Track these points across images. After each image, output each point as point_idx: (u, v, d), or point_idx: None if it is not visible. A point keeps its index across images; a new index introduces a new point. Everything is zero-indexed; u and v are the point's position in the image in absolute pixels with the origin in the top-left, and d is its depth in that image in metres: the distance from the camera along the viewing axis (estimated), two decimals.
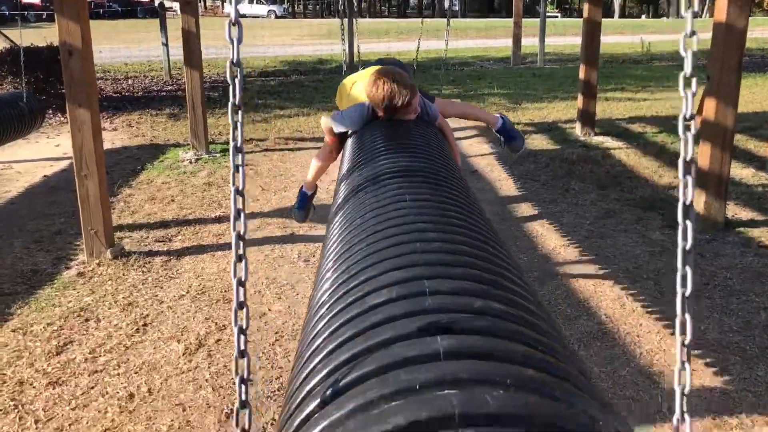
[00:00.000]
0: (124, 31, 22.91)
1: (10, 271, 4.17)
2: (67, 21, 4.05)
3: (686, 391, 1.01)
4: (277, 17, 47.13)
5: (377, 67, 2.89)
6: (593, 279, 3.90)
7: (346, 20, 5.25)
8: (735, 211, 4.93)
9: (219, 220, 5.00)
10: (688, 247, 1.09)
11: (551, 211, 5.10)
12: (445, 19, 6.21)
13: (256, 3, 50.84)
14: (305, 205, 3.68)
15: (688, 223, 1.08)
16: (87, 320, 3.54)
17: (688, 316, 1.04)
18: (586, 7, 7.19)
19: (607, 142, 7.12)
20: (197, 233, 4.75)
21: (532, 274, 3.98)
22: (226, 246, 4.51)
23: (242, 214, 1.13)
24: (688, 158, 1.09)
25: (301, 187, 3.72)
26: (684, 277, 1.08)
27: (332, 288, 1.21)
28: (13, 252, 4.47)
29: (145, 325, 3.49)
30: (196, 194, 5.60)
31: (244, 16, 49.76)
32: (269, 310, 3.61)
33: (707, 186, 4.45)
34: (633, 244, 4.41)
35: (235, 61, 1.14)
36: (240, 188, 1.12)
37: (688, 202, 1.09)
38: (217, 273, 4.09)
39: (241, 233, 1.12)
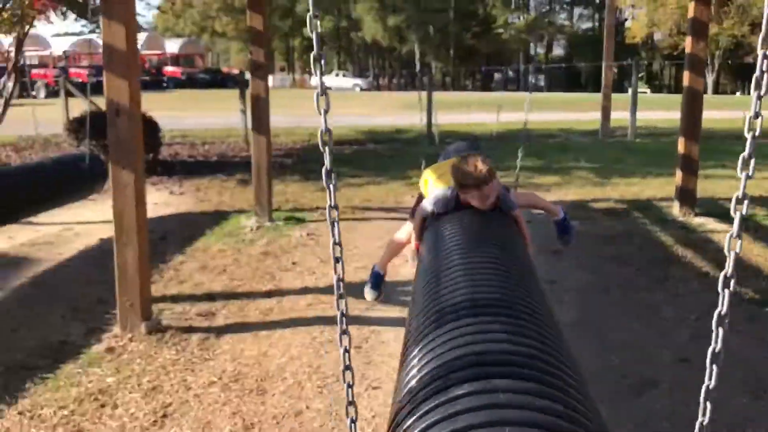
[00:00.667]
0: (212, 101, 23.60)
1: (39, 342, 3.84)
2: (115, 77, 3.80)
3: None
4: (362, 90, 48.19)
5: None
6: (699, 389, 3.17)
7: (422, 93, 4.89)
8: None
9: (269, 294, 4.55)
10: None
11: (648, 302, 4.39)
12: (531, 94, 5.72)
13: (342, 76, 52.34)
14: (379, 285, 3.39)
15: None
16: (103, 406, 3.12)
17: None
18: (686, 75, 6.58)
19: (710, 224, 6.35)
20: (243, 308, 4.31)
21: (625, 380, 3.30)
22: (272, 324, 4.05)
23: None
24: None
25: (374, 267, 3.37)
26: None
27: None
28: (49, 320, 4.15)
29: (164, 416, 3.03)
30: (251, 264, 5.20)
31: (329, 88, 51.10)
32: (307, 407, 3.07)
33: None
34: (750, 350, 3.65)
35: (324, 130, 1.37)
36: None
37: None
38: (256, 357, 3.61)
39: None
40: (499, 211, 2.75)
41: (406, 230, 3.09)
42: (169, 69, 40.24)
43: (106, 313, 4.23)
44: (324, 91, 1.25)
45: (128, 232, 3.89)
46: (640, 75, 55.22)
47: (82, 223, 6.58)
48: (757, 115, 1.11)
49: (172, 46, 43.08)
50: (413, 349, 1.55)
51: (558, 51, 72.83)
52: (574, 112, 20.62)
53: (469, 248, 2.14)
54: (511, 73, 67.95)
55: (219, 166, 9.89)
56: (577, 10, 69.19)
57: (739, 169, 1.15)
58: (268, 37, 6.75)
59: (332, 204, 1.41)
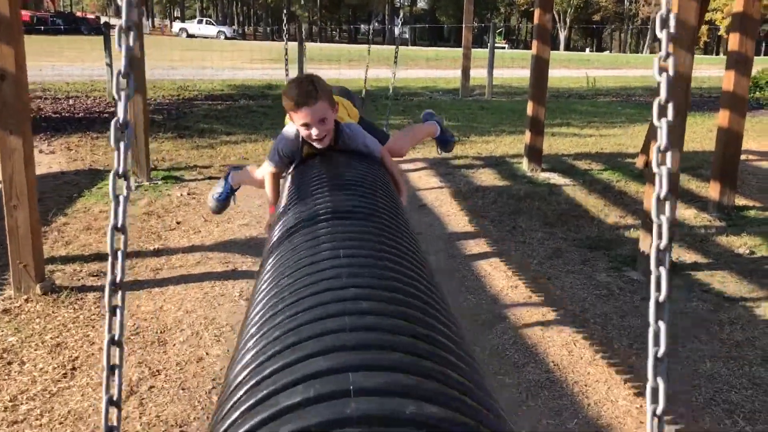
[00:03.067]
0: (68, 48, 22.33)
1: None
2: (0, 43, 3.84)
3: None
4: (226, 38, 46.84)
5: None
6: (541, 324, 3.86)
7: (290, 44, 5.14)
8: (679, 253, 4.99)
9: (157, 253, 4.80)
10: (662, 298, 1.02)
11: (499, 250, 5.07)
12: (395, 47, 6.20)
13: (206, 24, 50.51)
14: (227, 198, 3.57)
15: (662, 270, 1.02)
16: (9, 363, 3.30)
17: (660, 382, 0.97)
18: (534, 44, 7.28)
19: (554, 178, 7.19)
20: (133, 267, 4.54)
21: (480, 317, 3.92)
22: (164, 282, 4.32)
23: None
24: (662, 196, 1.03)
25: (227, 177, 3.56)
26: (656, 334, 1.01)
27: (249, 367, 1.07)
28: None
29: (73, 369, 3.27)
30: (135, 225, 5.37)
31: (193, 36, 49.37)
32: (206, 354, 3.44)
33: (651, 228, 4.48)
34: (580, 287, 4.40)
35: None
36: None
37: (663, 246, 1.02)
38: (153, 312, 3.89)
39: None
40: (355, 153, 2.57)
41: (263, 168, 2.88)
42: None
43: None
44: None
45: (19, 194, 3.97)
46: (498, 31, 57.27)
47: None
48: None
49: None
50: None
51: (422, 4, 73.93)
52: (437, 69, 21.42)
53: (328, 187, 2.02)
54: (377, 24, 68.29)
55: (87, 123, 9.65)
56: None
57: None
58: None
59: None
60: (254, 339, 1.17)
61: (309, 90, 2.36)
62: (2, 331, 3.61)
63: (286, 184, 2.52)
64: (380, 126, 4.05)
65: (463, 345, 1.21)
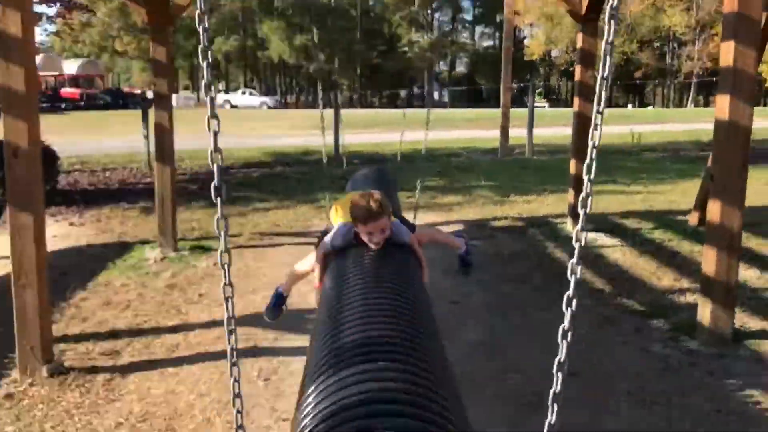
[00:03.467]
0: (112, 123, 22.95)
1: None
2: (14, 119, 3.73)
3: None
4: (269, 108, 47.92)
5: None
6: (590, 404, 3.42)
7: (326, 110, 4.96)
8: (743, 320, 4.49)
9: (175, 329, 4.53)
10: None
11: (544, 319, 4.66)
12: (435, 110, 6.00)
13: (249, 94, 51.87)
14: (279, 305, 3.51)
15: None
16: None
17: None
18: (576, 100, 7.01)
19: (600, 239, 6.76)
20: (149, 346, 4.27)
21: (524, 398, 3.50)
22: (179, 361, 4.03)
23: None
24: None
25: (277, 288, 3.49)
26: None
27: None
28: None
29: None
30: (155, 299, 5.14)
31: (236, 107, 50.56)
32: None
33: (713, 294, 4.05)
34: (633, 359, 3.95)
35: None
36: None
37: None
38: (164, 395, 3.59)
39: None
40: (394, 246, 2.93)
41: (308, 261, 3.20)
42: (67, 90, 38.77)
43: (4, 357, 4.10)
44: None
45: (28, 274, 3.79)
46: (538, 91, 57.48)
47: None
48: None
49: (71, 66, 41.53)
50: (309, 387, 1.71)
51: (461, 68, 74.85)
52: (476, 129, 21.29)
53: (365, 288, 2.31)
54: (416, 89, 69.31)
55: (121, 194, 9.64)
56: (478, 29, 71.51)
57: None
58: (172, 69, 6.71)
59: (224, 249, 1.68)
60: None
61: (377, 209, 2.79)
62: (1, 419, 3.35)
63: (332, 272, 2.84)
64: (414, 187, 4.58)
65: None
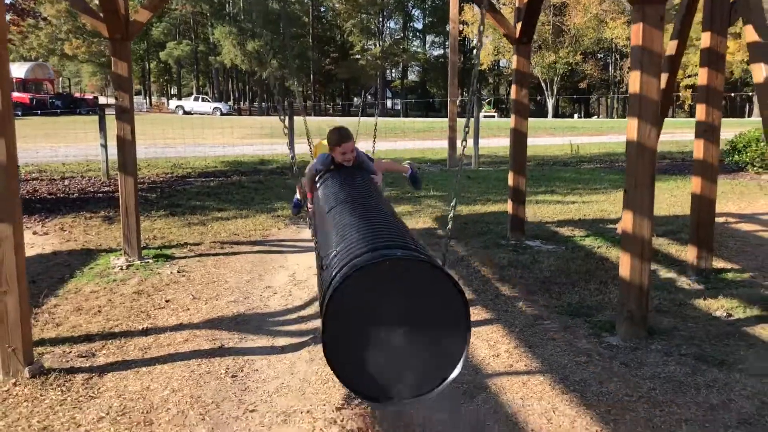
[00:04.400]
0: (64, 129, 22.81)
1: None
2: None
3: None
4: (222, 114, 47.82)
5: None
6: (521, 392, 3.93)
7: (296, 118, 5.30)
8: (658, 318, 5.08)
9: (146, 332, 4.88)
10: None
11: (483, 319, 5.17)
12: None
13: (202, 101, 51.62)
14: (298, 206, 5.05)
15: None
16: None
17: None
18: (512, 117, 7.56)
19: (537, 246, 7.34)
20: (122, 347, 4.62)
21: (461, 388, 3.98)
22: (152, 361, 4.39)
23: None
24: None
25: (294, 199, 5.07)
26: None
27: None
28: None
29: None
30: (125, 304, 5.47)
31: (189, 113, 50.24)
32: None
33: (629, 296, 4.61)
34: (560, 354, 4.48)
35: None
36: None
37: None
38: (140, 391, 3.96)
39: None
40: (360, 168, 4.26)
41: (302, 185, 4.52)
42: (15, 95, 38.06)
43: None
44: None
45: (9, 280, 4.10)
46: (487, 100, 58.58)
47: None
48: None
49: (19, 70, 40.66)
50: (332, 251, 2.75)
51: (413, 77, 75.73)
52: (427, 140, 21.90)
53: (349, 195, 3.58)
54: (370, 97, 69.81)
55: (81, 203, 9.85)
56: (429, 38, 72.49)
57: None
58: (131, 83, 7.02)
59: None
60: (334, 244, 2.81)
61: (348, 133, 4.22)
62: None
63: (325, 185, 4.06)
64: None
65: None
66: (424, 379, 2.43)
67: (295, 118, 13.66)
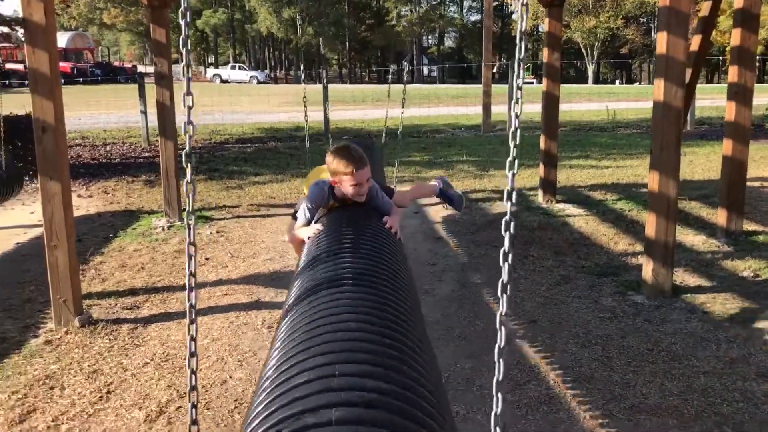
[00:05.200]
0: (105, 98, 23.26)
1: None
2: (41, 99, 4.26)
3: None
4: (259, 82, 48.08)
5: None
6: (544, 345, 4.07)
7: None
8: (683, 278, 5.15)
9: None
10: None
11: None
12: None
13: (239, 69, 51.92)
14: None
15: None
16: (52, 388, 3.62)
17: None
18: (544, 81, 7.57)
19: (568, 209, 7.40)
20: (165, 301, 4.87)
21: (487, 340, 4.14)
22: None
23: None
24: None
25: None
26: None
27: (277, 365, 1.57)
28: None
29: (108, 392, 3.58)
30: (166, 261, 5.73)
31: (226, 81, 50.28)
32: (230, 377, 3.72)
33: (654, 254, 4.68)
34: (585, 310, 4.59)
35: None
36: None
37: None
38: (182, 340, 4.20)
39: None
40: (373, 210, 3.01)
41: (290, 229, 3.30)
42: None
43: (38, 311, 4.70)
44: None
45: (58, 235, 4.36)
46: (526, 66, 57.69)
47: None
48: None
49: (60, 40, 41.30)
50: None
51: (450, 43, 74.84)
52: (462, 106, 21.80)
53: (342, 253, 2.36)
54: (405, 64, 69.29)
55: (123, 168, 10.18)
56: (466, 3, 71.45)
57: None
58: (170, 50, 7.21)
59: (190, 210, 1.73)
60: (279, 350, 1.68)
61: (362, 156, 2.86)
62: (45, 359, 3.95)
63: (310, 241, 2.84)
64: (394, 161, 4.46)
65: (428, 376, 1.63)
66: None
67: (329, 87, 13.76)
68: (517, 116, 1.50)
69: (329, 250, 2.40)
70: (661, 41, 4.34)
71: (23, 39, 4.45)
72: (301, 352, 1.55)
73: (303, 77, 6.02)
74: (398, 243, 2.83)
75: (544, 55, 7.49)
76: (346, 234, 2.62)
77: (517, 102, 1.53)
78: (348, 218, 2.87)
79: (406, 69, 6.03)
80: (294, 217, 3.32)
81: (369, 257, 2.31)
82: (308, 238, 2.80)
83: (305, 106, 5.81)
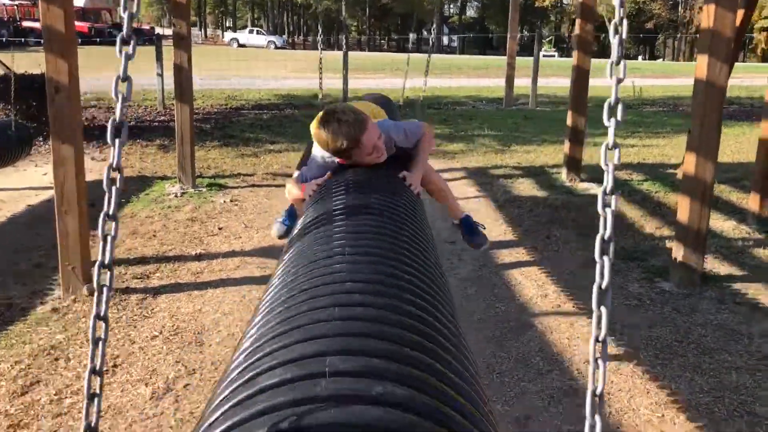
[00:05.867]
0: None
1: None
2: (55, 57, 4.09)
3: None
4: (276, 48, 47.65)
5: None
6: (568, 332, 3.90)
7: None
8: (714, 265, 4.94)
9: (199, 257, 4.99)
10: (604, 285, 1.16)
11: (532, 259, 5.11)
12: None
13: (257, 33, 51.46)
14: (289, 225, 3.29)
15: (606, 259, 1.14)
16: (56, 359, 3.50)
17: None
18: (575, 54, 7.30)
19: (593, 189, 7.17)
20: (175, 271, 4.74)
21: (507, 324, 3.98)
22: (204, 285, 4.50)
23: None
24: (608, 190, 1.14)
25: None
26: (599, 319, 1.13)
27: (245, 353, 1.18)
28: None
29: (115, 366, 3.46)
30: (179, 230, 5.59)
31: (244, 45, 50.08)
32: None
33: (686, 240, 4.48)
34: (611, 297, 4.40)
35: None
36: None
37: (606, 237, 1.15)
38: (192, 313, 4.07)
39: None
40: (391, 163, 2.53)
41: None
42: (75, 24, 38.60)
43: (46, 277, 4.58)
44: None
45: (69, 201, 4.22)
46: (548, 39, 56.78)
47: (5, 190, 6.74)
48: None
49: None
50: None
51: (471, 12, 73.76)
52: (483, 77, 21.44)
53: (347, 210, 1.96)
54: (425, 33, 68.46)
55: (138, 131, 10.02)
56: None
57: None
58: (189, 11, 7.00)
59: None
60: (255, 327, 1.31)
61: (357, 120, 2.31)
62: (51, 328, 3.83)
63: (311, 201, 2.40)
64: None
65: (454, 339, 1.32)
66: None
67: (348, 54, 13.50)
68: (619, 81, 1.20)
69: (329, 212, 1.96)
70: (708, 14, 4.08)
71: None
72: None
73: (321, 43, 5.73)
74: (418, 202, 2.37)
75: (576, 26, 7.21)
76: (354, 190, 2.17)
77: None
78: (356, 172, 2.42)
79: (432, 39, 5.69)
80: (299, 167, 2.87)
81: (384, 215, 1.91)
82: (309, 196, 2.38)
83: (321, 73, 5.57)
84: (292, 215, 3.24)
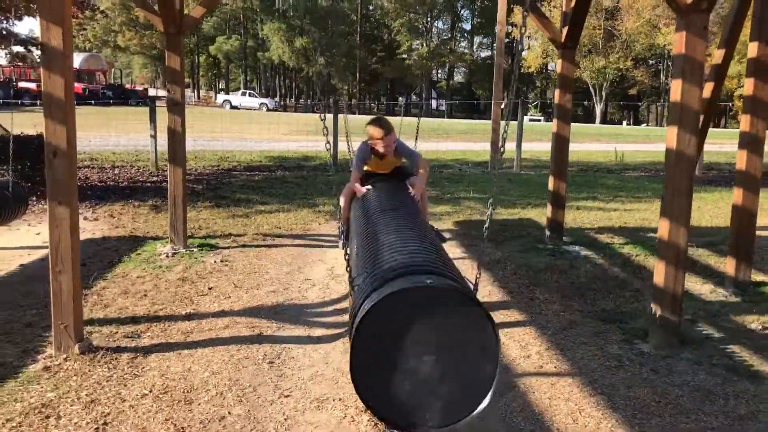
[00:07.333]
0: (115, 119, 23.48)
1: None
2: (54, 123, 4.25)
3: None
4: (268, 110, 48.47)
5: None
6: (549, 392, 4.00)
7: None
8: (691, 327, 5.08)
9: (189, 317, 5.08)
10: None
11: (516, 320, 5.24)
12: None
13: (249, 95, 52.39)
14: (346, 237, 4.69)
15: None
16: (47, 417, 3.56)
17: None
18: (555, 122, 7.58)
19: (575, 251, 7.35)
20: (166, 330, 4.82)
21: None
22: (193, 344, 4.58)
23: None
24: None
25: (339, 227, 4.82)
26: None
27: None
28: None
29: (105, 424, 3.52)
30: (170, 289, 5.69)
31: (236, 107, 50.83)
32: (229, 413, 3.66)
33: (662, 302, 4.63)
34: (591, 358, 4.53)
35: None
36: None
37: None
38: (181, 372, 4.14)
39: None
40: (400, 182, 4.44)
41: (347, 186, 4.49)
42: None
43: (38, 336, 4.65)
44: None
45: (64, 260, 4.32)
46: (534, 104, 58.06)
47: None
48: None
49: (73, 61, 41.85)
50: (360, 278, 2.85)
51: (459, 78, 75.47)
52: (469, 141, 21.90)
53: (384, 211, 3.73)
54: (414, 97, 69.92)
55: (130, 191, 10.19)
56: (477, 39, 72.20)
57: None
58: (184, 77, 7.26)
59: None
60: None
61: (389, 126, 4.44)
62: (42, 387, 3.89)
63: (358, 211, 4.15)
64: None
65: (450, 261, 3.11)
66: (452, 407, 2.39)
67: (340, 116, 13.85)
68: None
69: (380, 207, 3.85)
70: (676, 88, 4.34)
71: (39, 60, 4.46)
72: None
73: (322, 106, 6.00)
74: (417, 203, 4.23)
75: (556, 96, 7.51)
76: (386, 198, 4.07)
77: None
78: (386, 188, 4.29)
79: (422, 102, 6.23)
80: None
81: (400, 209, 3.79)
82: (362, 195, 4.29)
83: (325, 134, 5.77)
84: (344, 233, 4.56)
